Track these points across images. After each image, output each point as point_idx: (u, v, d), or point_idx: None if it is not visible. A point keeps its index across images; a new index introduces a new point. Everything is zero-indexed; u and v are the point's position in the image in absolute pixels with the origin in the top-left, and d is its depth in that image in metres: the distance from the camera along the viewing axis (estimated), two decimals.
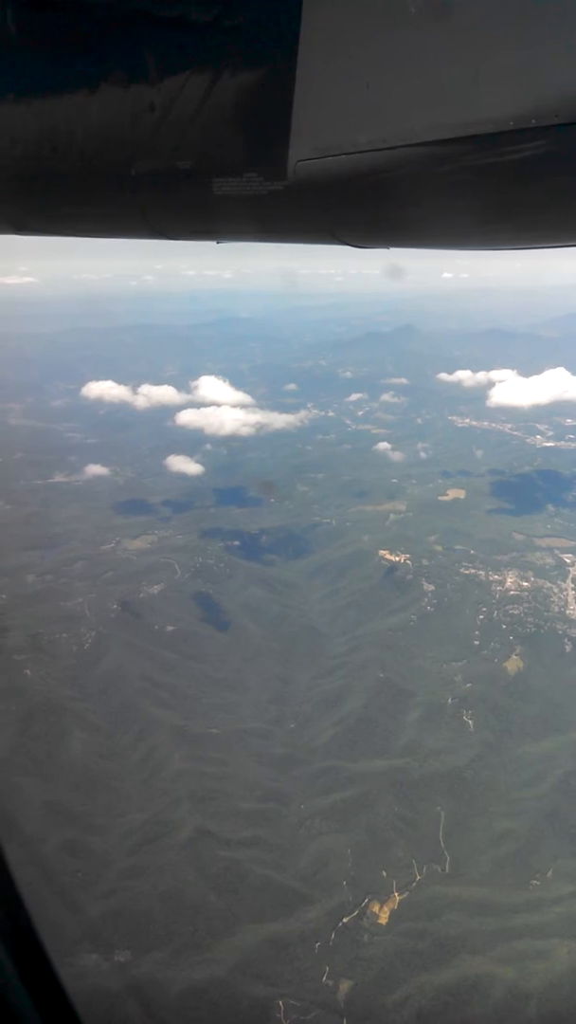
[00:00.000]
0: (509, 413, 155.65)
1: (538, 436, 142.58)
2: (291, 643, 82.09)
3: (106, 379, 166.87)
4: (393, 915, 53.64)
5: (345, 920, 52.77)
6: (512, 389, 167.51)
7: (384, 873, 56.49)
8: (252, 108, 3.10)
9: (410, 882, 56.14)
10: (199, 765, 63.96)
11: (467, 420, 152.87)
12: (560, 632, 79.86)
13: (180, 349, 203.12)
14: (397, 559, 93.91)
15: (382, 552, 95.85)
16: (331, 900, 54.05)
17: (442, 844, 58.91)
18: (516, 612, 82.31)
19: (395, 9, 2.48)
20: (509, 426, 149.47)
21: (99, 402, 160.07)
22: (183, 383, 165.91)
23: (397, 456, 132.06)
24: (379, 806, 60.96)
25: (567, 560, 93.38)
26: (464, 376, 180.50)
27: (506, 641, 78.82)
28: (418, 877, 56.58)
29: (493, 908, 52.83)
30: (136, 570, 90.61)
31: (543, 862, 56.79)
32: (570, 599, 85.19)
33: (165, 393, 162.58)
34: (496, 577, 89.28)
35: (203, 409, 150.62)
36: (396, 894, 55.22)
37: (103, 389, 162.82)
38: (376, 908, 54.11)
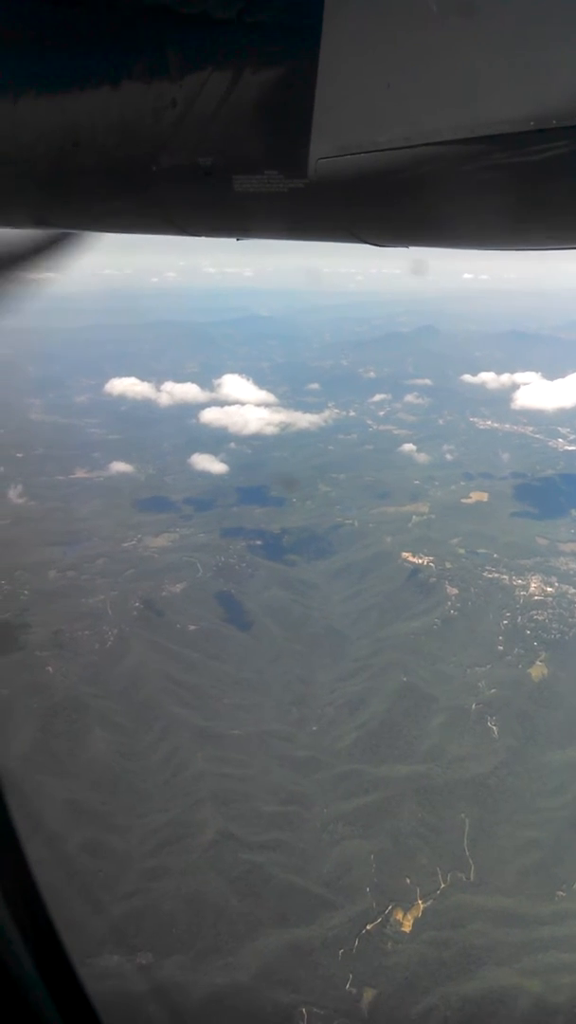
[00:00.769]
0: (532, 416, 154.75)
1: (560, 439, 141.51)
2: (313, 645, 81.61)
3: (128, 375, 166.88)
4: (417, 923, 53.06)
5: (369, 927, 52.23)
6: (536, 392, 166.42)
7: (408, 880, 55.91)
8: (273, 106, 3.08)
9: (434, 890, 55.54)
10: (221, 766, 63.58)
11: (488, 422, 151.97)
12: None
13: (201, 346, 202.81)
14: (420, 561, 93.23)
15: (405, 554, 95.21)
16: (354, 906, 53.54)
17: (467, 852, 58.27)
18: (541, 618, 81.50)
19: (417, 8, 2.48)
20: (531, 429, 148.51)
21: (121, 398, 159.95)
22: (206, 381, 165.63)
23: (419, 457, 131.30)
24: (402, 812, 60.37)
25: None
26: (488, 378, 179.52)
27: (530, 647, 78.06)
28: (442, 885, 55.98)
29: (519, 919, 52.20)
30: (158, 568, 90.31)
31: (569, 873, 56.12)
32: None
33: (188, 391, 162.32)
34: (520, 582, 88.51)
35: (227, 407, 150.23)
36: (420, 902, 54.63)
37: (126, 386, 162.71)
38: (400, 916, 53.54)
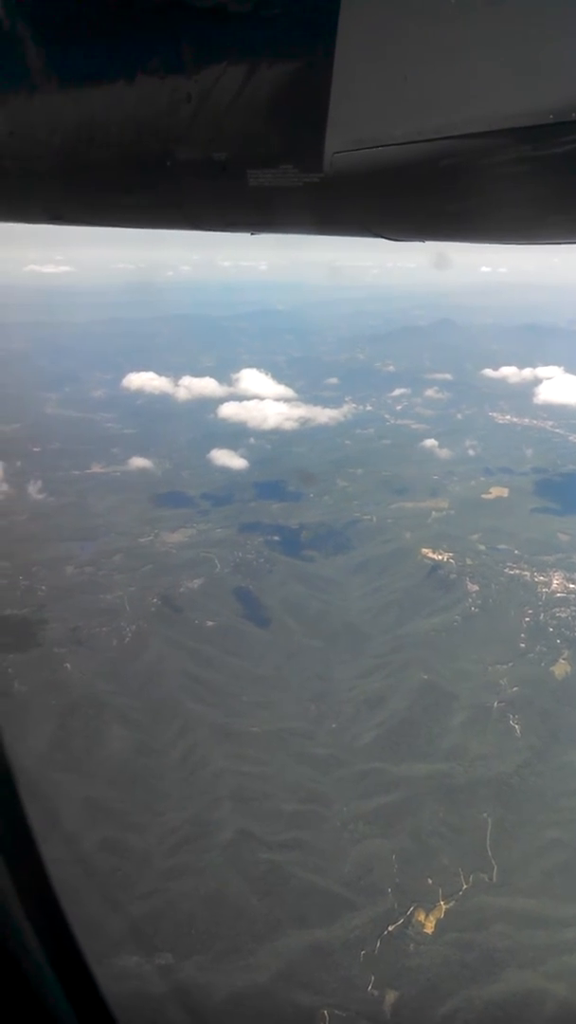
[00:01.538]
0: (554, 411, 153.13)
1: None
2: (332, 641, 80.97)
3: (143, 369, 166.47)
4: (439, 924, 52.41)
5: (390, 928, 51.60)
6: (559, 386, 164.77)
7: (430, 881, 55.27)
8: (289, 99, 3.05)
9: (456, 891, 54.86)
10: (240, 764, 63.09)
11: (508, 417, 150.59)
12: None
13: (217, 340, 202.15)
14: (440, 558, 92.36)
15: (424, 550, 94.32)
16: (376, 907, 52.93)
17: (489, 852, 57.53)
18: (563, 615, 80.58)
19: (436, 1, 2.46)
20: (551, 423, 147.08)
21: (137, 393, 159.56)
22: (222, 375, 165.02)
23: (439, 453, 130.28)
24: (423, 811, 59.71)
25: None
26: (509, 372, 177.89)
27: (553, 644, 77.20)
28: (464, 886, 55.29)
29: (542, 920, 51.40)
30: (175, 564, 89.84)
31: None
32: None
33: (206, 385, 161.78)
34: (542, 578, 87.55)
35: (245, 402, 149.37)
36: (442, 903, 53.97)
37: (144, 380, 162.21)
38: (422, 917, 52.89)
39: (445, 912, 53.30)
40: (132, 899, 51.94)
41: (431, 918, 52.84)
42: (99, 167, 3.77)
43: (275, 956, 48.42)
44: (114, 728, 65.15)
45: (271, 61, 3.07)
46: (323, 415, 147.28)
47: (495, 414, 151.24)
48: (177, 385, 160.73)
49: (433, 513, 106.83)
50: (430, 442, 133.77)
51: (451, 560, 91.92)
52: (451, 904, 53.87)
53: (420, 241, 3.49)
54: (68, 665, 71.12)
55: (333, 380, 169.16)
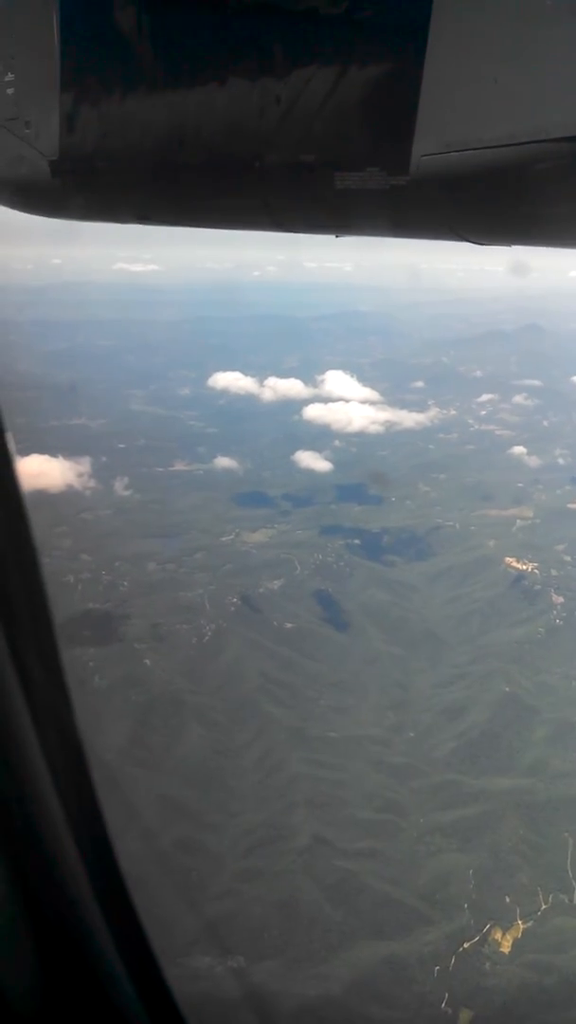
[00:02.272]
0: None
1: None
2: (411, 648, 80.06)
3: (227, 368, 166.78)
4: (516, 944, 51.27)
5: (466, 945, 50.62)
6: None
7: (507, 899, 54.14)
8: (377, 102, 3.06)
9: (535, 910, 53.67)
10: (316, 769, 62.79)
11: None
12: None
13: (300, 341, 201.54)
14: (524, 567, 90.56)
15: (508, 559, 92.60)
16: (451, 923, 52.04)
17: (569, 873, 56.19)
18: None
19: (527, 4, 2.46)
20: None
21: (222, 392, 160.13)
22: (306, 376, 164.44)
23: (524, 459, 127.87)
24: (503, 827, 58.54)
25: None
26: None
27: None
28: (543, 906, 54.03)
29: None
30: (255, 564, 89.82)
31: None
32: None
33: (292, 386, 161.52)
34: None
35: (330, 404, 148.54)
36: (520, 922, 52.83)
37: (230, 380, 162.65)
38: (498, 935, 51.80)
39: (523, 932, 52.21)
40: (206, 899, 51.97)
41: (508, 937, 51.76)
42: (188, 168, 3.80)
43: (348, 967, 47.85)
44: (192, 726, 65.36)
45: (361, 64, 3.08)
46: (409, 419, 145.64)
47: None
48: (263, 385, 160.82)
49: (518, 521, 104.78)
50: (516, 449, 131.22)
51: (536, 571, 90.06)
52: (529, 924, 52.73)
53: (506, 245, 3.43)
54: (148, 661, 71.57)
55: (419, 383, 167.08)
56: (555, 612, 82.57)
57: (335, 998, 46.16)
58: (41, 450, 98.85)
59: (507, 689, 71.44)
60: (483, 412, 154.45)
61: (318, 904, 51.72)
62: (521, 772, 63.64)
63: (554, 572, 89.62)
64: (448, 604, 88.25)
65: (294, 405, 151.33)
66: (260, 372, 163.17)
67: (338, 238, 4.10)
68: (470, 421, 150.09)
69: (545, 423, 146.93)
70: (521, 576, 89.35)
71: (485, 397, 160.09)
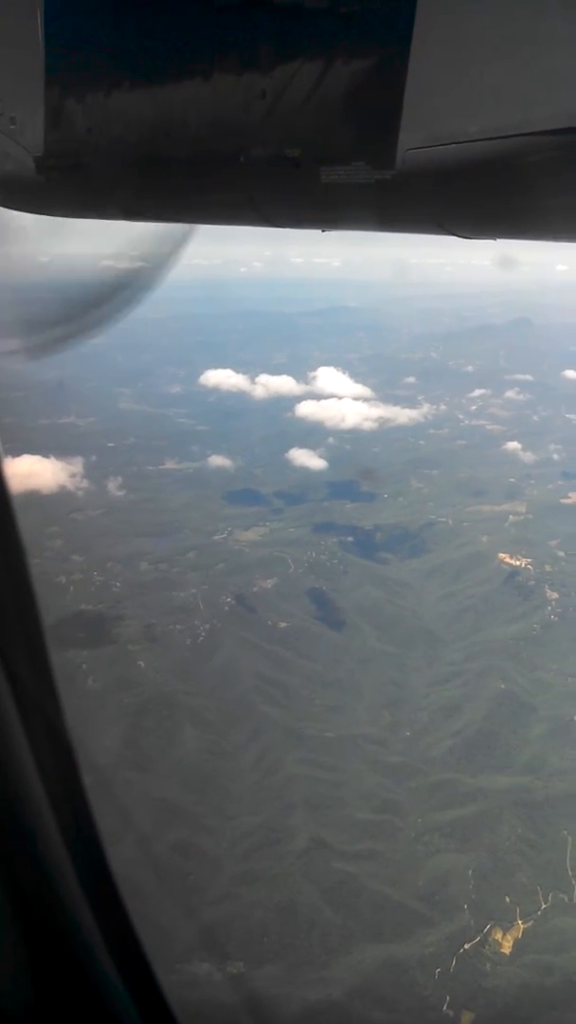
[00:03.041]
0: None
1: None
2: (406, 646, 79.68)
3: (216, 365, 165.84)
4: (517, 945, 50.96)
5: (466, 946, 50.26)
6: None
7: (507, 899, 53.83)
8: (363, 96, 3.05)
9: (535, 910, 53.36)
10: (313, 770, 62.37)
11: None
12: None
13: (289, 337, 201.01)
14: (518, 563, 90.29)
15: (501, 555, 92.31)
16: (451, 924, 51.67)
17: (569, 872, 55.84)
18: None
19: None
20: None
21: (212, 389, 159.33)
22: (295, 371, 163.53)
23: (515, 455, 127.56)
24: (500, 826, 58.22)
25: None
26: None
27: None
28: (543, 905, 53.72)
29: None
30: (249, 562, 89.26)
31: None
32: None
33: (283, 383, 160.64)
34: None
35: (322, 401, 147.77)
36: (520, 922, 52.51)
37: (221, 377, 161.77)
38: (499, 936, 51.47)
39: (523, 932, 51.90)
40: (204, 904, 51.54)
41: (508, 938, 51.46)
42: (173, 163, 3.78)
43: (349, 970, 47.49)
44: (187, 728, 64.84)
45: (347, 58, 3.03)
46: (402, 415, 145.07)
47: (573, 416, 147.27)
48: (254, 382, 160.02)
49: (510, 517, 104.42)
50: (511, 445, 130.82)
51: (529, 566, 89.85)
52: (529, 924, 52.44)
53: (493, 238, 3.41)
54: (141, 663, 71.02)
55: (410, 379, 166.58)
56: (550, 608, 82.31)
57: (337, 1003, 45.73)
58: (33, 450, 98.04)
59: (503, 686, 71.17)
60: (473, 407, 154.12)
61: (317, 907, 51.31)
62: (519, 770, 63.38)
63: (548, 568, 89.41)
64: (442, 601, 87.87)
65: (286, 402, 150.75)
66: (250, 369, 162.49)
67: (324, 233, 4.08)
68: (460, 416, 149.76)
69: (535, 418, 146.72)
70: (515, 572, 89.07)
71: (477, 392, 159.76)
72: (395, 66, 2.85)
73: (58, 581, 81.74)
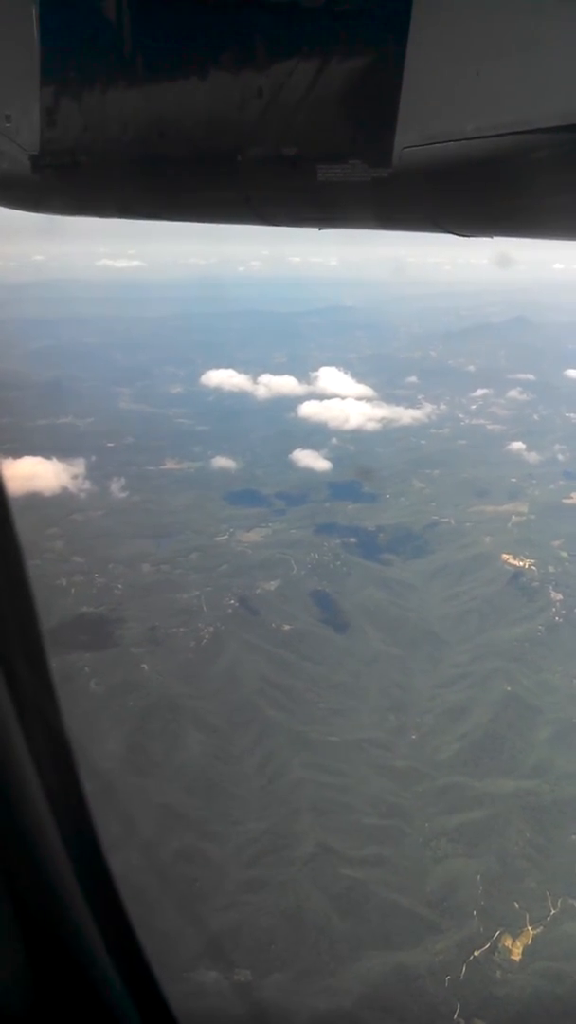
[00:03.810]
0: None
1: None
2: (411, 649, 79.15)
3: (214, 364, 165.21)
4: (527, 951, 50.47)
5: (476, 953, 49.75)
6: None
7: (516, 904, 53.35)
8: (359, 95, 3.05)
9: (544, 916, 52.88)
10: (318, 774, 61.79)
11: None
12: None
13: (288, 337, 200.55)
14: (521, 564, 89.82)
15: (505, 556, 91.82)
16: (460, 931, 51.21)
17: None
18: None
19: None
20: None
21: (212, 389, 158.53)
22: (300, 372, 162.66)
23: (516, 455, 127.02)
24: (508, 830, 57.79)
25: None
26: None
27: None
28: (553, 911, 53.25)
29: None
30: (251, 564, 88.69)
31: None
32: None
33: (285, 383, 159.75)
34: None
35: (325, 401, 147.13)
36: (529, 928, 52.03)
37: (223, 377, 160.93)
38: (508, 942, 50.98)
39: (533, 938, 51.40)
40: (210, 911, 50.93)
41: (518, 944, 51.00)
42: (170, 162, 3.75)
43: (358, 979, 46.95)
44: (191, 732, 64.30)
45: (342, 57, 3.02)
46: (406, 415, 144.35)
47: (573, 415, 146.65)
48: (256, 383, 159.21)
49: (513, 517, 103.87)
50: (511, 444, 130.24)
51: (533, 567, 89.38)
52: (539, 930, 51.95)
53: (489, 236, 3.39)
54: (145, 666, 70.42)
55: (412, 379, 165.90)
56: (554, 609, 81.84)
57: (346, 1012, 45.21)
58: (34, 452, 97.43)
59: (508, 689, 70.68)
60: (474, 407, 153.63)
61: (325, 914, 50.82)
62: (526, 774, 62.88)
63: (551, 568, 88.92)
64: (446, 602, 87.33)
65: (288, 402, 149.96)
66: (250, 368, 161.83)
67: (321, 231, 4.06)
68: (461, 416, 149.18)
69: (536, 417, 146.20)
70: (519, 573, 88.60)
71: (480, 392, 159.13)
72: (391, 65, 2.85)
73: (59, 583, 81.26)
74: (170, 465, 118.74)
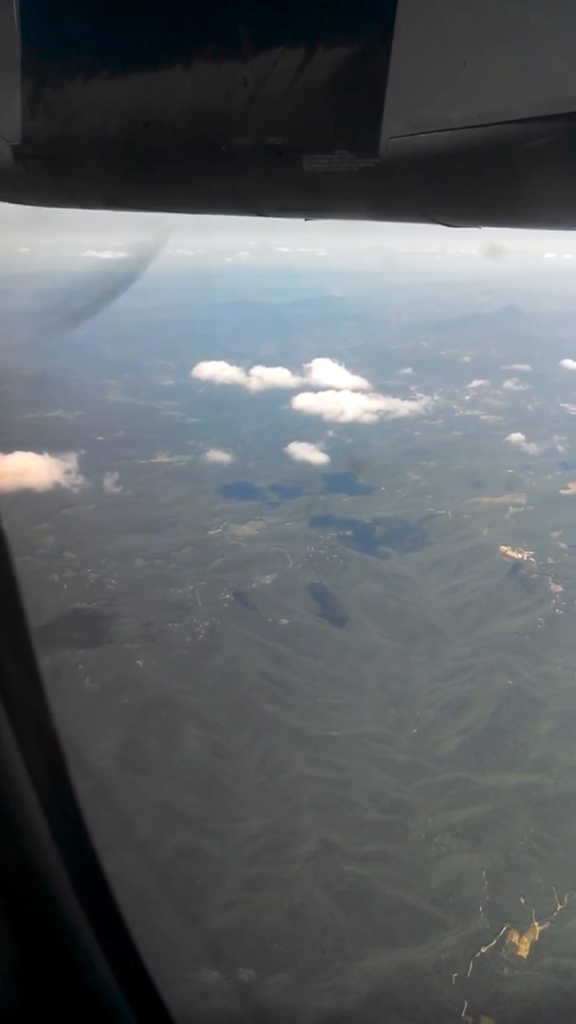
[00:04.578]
0: None
1: None
2: (410, 642, 78.39)
3: (204, 355, 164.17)
4: (534, 947, 49.88)
5: (483, 950, 49.14)
6: None
7: (522, 900, 52.74)
8: (345, 84, 3.02)
9: (551, 911, 52.32)
10: (319, 770, 61.09)
11: None
12: None
13: (277, 327, 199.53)
14: (520, 556, 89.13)
15: (503, 548, 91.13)
16: (467, 927, 50.56)
17: None
18: None
19: None
20: None
21: (204, 381, 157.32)
22: (292, 364, 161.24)
23: (512, 445, 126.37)
24: (513, 825, 57.18)
25: None
26: None
27: None
28: (559, 906, 52.68)
29: None
30: (246, 558, 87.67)
31: None
32: None
33: (278, 375, 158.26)
34: None
35: (319, 393, 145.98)
36: (536, 924, 51.43)
37: (215, 369, 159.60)
38: (515, 938, 50.38)
39: (540, 934, 50.87)
40: (212, 910, 50.21)
41: (525, 940, 50.43)
42: (154, 152, 3.71)
43: (364, 977, 46.30)
44: (189, 729, 63.50)
45: (328, 45, 3.01)
46: (403, 407, 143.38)
47: (567, 405, 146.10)
48: (249, 375, 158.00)
49: (510, 509, 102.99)
50: (510, 435, 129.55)
51: (532, 559, 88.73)
52: (546, 926, 51.42)
53: (478, 227, 3.40)
54: (140, 662, 69.48)
55: (407, 370, 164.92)
56: (554, 601, 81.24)
57: (352, 1012, 44.55)
58: (25, 447, 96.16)
59: (510, 682, 70.10)
60: (467, 397, 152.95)
61: (329, 912, 50.16)
62: (529, 767, 62.35)
63: (550, 560, 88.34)
64: (445, 595, 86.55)
65: (282, 395, 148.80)
66: (240, 360, 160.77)
67: (308, 221, 4.00)
68: (455, 407, 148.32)
69: (530, 407, 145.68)
70: (518, 565, 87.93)
71: (475, 383, 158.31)
72: (378, 53, 2.81)
73: (51, 579, 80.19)
74: (162, 458, 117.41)
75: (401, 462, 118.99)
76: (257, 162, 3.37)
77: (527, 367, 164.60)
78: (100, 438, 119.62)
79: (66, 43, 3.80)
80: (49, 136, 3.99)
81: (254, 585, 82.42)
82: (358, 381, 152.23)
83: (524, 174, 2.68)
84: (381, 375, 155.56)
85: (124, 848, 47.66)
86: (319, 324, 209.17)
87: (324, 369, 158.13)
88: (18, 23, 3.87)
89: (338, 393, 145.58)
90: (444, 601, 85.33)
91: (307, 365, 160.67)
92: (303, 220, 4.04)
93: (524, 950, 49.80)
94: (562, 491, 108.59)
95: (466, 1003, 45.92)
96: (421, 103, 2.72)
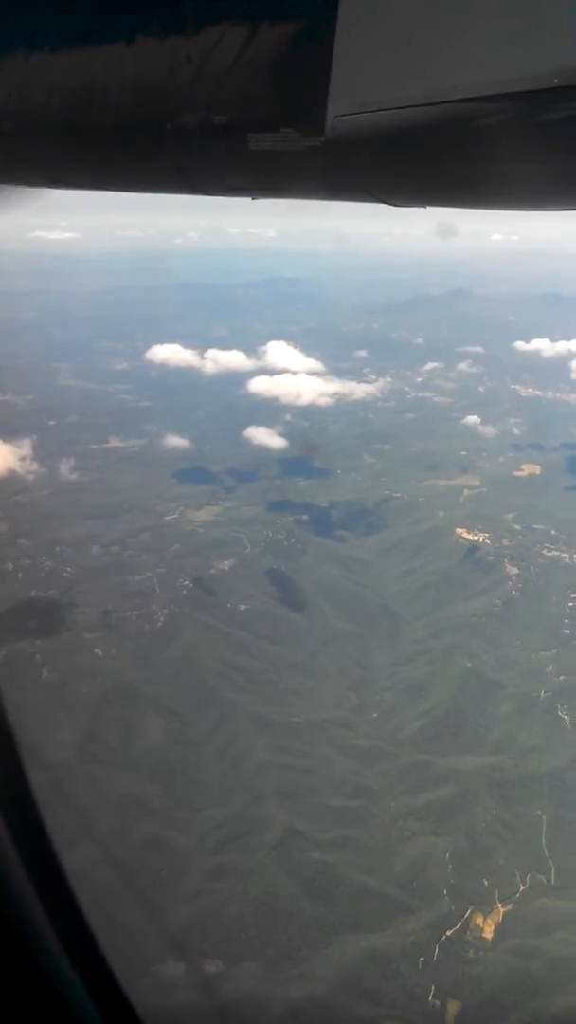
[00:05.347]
0: None
1: None
2: (368, 626, 78.42)
3: (154, 338, 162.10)
4: (499, 929, 50.47)
5: (448, 933, 49.54)
6: None
7: (486, 882, 53.22)
8: (290, 62, 2.99)
9: (514, 893, 52.93)
10: (282, 756, 60.96)
11: (530, 390, 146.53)
12: None
13: (228, 309, 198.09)
14: (475, 538, 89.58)
15: (459, 530, 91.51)
16: (432, 910, 50.90)
17: (545, 852, 55.43)
18: None
19: None
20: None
21: (157, 364, 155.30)
22: (246, 346, 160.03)
23: (465, 427, 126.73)
24: (475, 807, 57.58)
25: None
26: (543, 345, 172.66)
27: None
28: (522, 888, 53.30)
29: None
30: (204, 543, 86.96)
31: None
32: None
33: (233, 358, 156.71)
34: None
35: (275, 377, 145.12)
36: (500, 906, 51.98)
37: (169, 352, 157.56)
38: (480, 921, 50.90)
39: (504, 916, 51.42)
40: (176, 902, 49.90)
41: (489, 922, 50.98)
42: (98, 130, 3.66)
43: (332, 964, 46.42)
44: (149, 718, 63.00)
45: (272, 22, 2.97)
46: (359, 390, 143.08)
47: (518, 387, 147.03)
48: (203, 358, 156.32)
49: (465, 491, 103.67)
50: (464, 417, 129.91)
51: (487, 541, 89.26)
52: (509, 907, 52.04)
53: (423, 206, 3.37)
54: (99, 651, 68.68)
55: (361, 352, 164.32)
56: (510, 583, 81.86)
57: (321, 999, 44.59)
58: None
59: (468, 664, 70.47)
60: (419, 379, 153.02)
61: (295, 899, 50.17)
62: (489, 749, 62.85)
63: (505, 542, 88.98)
64: (402, 578, 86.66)
65: (237, 378, 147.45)
66: (192, 342, 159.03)
67: (255, 200, 3.93)
68: (407, 389, 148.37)
69: (481, 389, 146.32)
70: (473, 547, 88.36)
71: (429, 365, 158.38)
72: (322, 31, 2.76)
73: (5, 567, 78.94)
74: (116, 443, 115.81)
75: (356, 445, 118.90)
76: (202, 140, 3.32)
77: (479, 349, 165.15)
78: (52, 423, 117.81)
79: (6, 19, 3.75)
80: None
81: (212, 571, 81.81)
82: (312, 364, 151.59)
83: (470, 153, 2.63)
84: (335, 357, 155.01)
85: (86, 841, 47.14)
86: (270, 306, 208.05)
87: (279, 352, 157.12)
88: None
89: (294, 376, 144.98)
90: (401, 584, 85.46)
91: (261, 348, 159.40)
92: (250, 199, 3.99)
93: (488, 932, 50.29)
94: (515, 473, 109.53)
95: (433, 987, 46.27)
96: (366, 81, 2.66)
